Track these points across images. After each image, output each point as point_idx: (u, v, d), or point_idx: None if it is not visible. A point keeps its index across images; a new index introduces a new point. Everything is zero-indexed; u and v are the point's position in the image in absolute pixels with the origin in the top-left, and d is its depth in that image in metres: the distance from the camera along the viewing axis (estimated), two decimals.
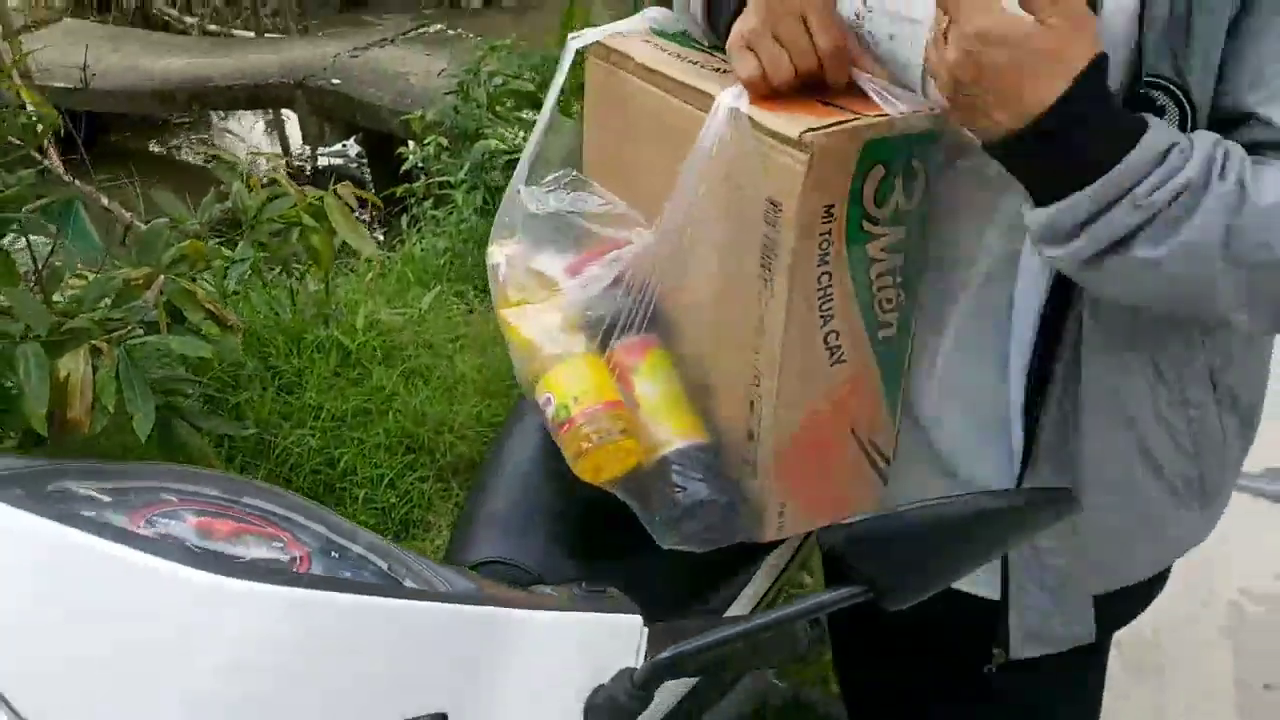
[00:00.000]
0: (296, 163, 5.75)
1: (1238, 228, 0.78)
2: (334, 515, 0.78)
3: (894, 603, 0.72)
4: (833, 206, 0.86)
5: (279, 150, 5.99)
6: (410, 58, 5.10)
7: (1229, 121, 0.83)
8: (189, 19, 7.03)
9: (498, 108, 3.71)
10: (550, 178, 1.05)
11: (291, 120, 6.00)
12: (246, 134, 6.48)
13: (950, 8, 0.79)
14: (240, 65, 5.31)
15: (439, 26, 5.67)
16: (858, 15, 0.97)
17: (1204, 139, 0.79)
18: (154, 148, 6.30)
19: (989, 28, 0.77)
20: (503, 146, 3.54)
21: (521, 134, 3.51)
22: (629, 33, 1.07)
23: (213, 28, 6.91)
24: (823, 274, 0.88)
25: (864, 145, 0.85)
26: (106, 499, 0.68)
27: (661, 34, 1.08)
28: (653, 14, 1.09)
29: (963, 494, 0.74)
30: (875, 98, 0.88)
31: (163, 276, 1.55)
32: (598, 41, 1.07)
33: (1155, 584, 1.10)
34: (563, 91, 1.09)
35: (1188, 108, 0.81)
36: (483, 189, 3.63)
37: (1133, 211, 0.78)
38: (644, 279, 0.97)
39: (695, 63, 1.00)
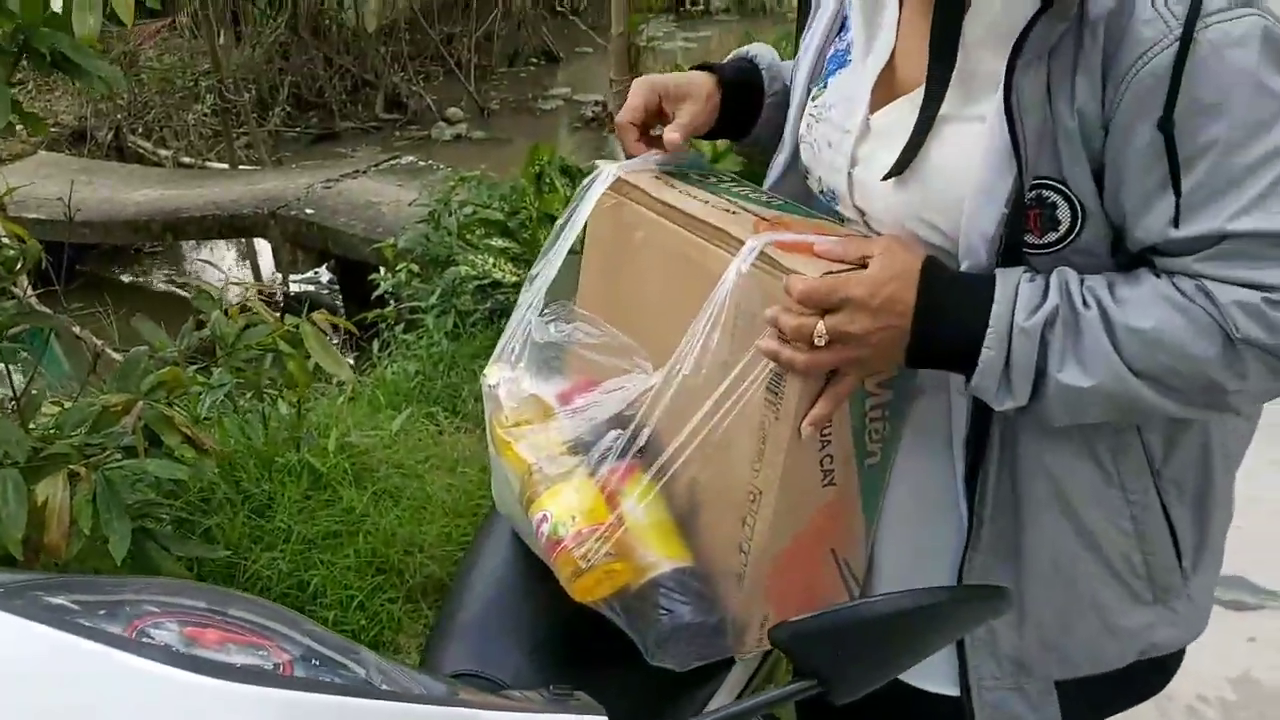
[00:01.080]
0: (268, 290, 5.84)
1: (1122, 345, 0.89)
2: (315, 625, 0.82)
3: (842, 695, 0.77)
4: None
5: (250, 277, 6.08)
6: (382, 188, 5.25)
7: (1122, 229, 0.93)
8: (163, 151, 7.19)
9: (468, 236, 3.82)
10: (550, 308, 1.12)
11: (263, 249, 6.11)
12: (217, 262, 6.58)
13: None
14: (214, 196, 5.44)
15: (411, 158, 5.85)
16: (814, 120, 1.13)
17: (1056, 274, 0.92)
18: (124, 276, 6.38)
19: (828, 288, 0.93)
20: (473, 273, 3.65)
21: (491, 260, 3.62)
22: (639, 168, 1.15)
23: (186, 160, 7.07)
24: None
25: None
26: (101, 610, 0.72)
27: (668, 171, 1.16)
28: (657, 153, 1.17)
29: (902, 590, 0.80)
30: None
31: (141, 403, 1.60)
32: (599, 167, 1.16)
33: (1138, 679, 1.12)
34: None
35: (1077, 204, 0.92)
36: (453, 314, 3.72)
37: (1025, 339, 0.90)
38: (646, 411, 1.04)
39: (705, 201, 1.09)
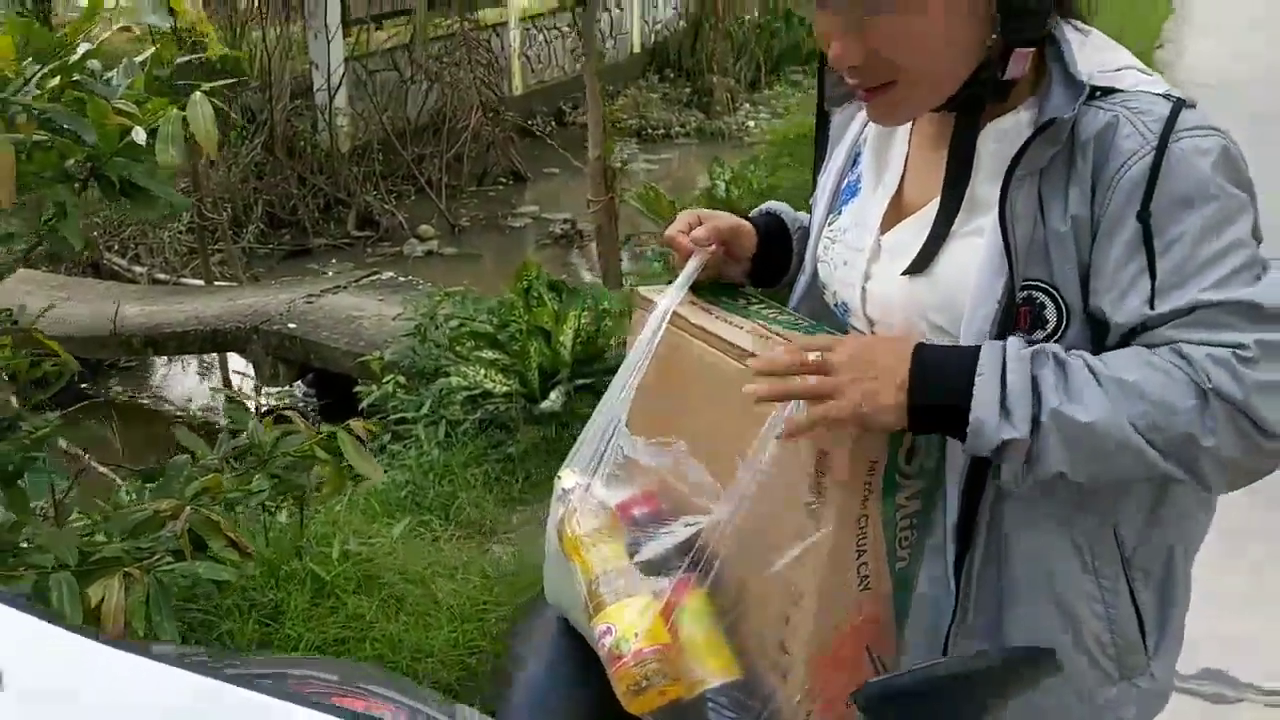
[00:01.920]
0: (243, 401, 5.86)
1: (1109, 392, 0.99)
2: (434, 695, 0.91)
3: None
4: (876, 463, 1.06)
5: (222, 390, 6.11)
6: (363, 303, 5.37)
7: (1100, 324, 1.06)
8: (138, 268, 7.27)
9: (458, 348, 3.93)
10: (656, 440, 1.21)
11: (233, 362, 6.16)
12: (184, 377, 6.62)
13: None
14: (195, 311, 5.52)
15: (390, 274, 5.99)
16: (830, 242, 1.27)
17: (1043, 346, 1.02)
18: (90, 390, 6.38)
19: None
20: (464, 383, 3.75)
21: (482, 371, 3.72)
22: (679, 289, 1.25)
23: (161, 276, 7.15)
24: (862, 516, 1.06)
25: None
26: (267, 681, 0.80)
27: (702, 294, 1.27)
28: (692, 268, 1.28)
29: (967, 655, 0.90)
30: None
31: (189, 508, 1.67)
32: (643, 296, 1.26)
33: None
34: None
35: (1063, 305, 1.05)
36: (444, 423, 3.80)
37: (1019, 364, 1.00)
38: (707, 536, 1.13)
39: (740, 326, 1.19)
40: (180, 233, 7.29)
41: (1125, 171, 1.01)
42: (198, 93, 1.53)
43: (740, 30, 11.87)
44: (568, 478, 1.25)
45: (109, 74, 1.80)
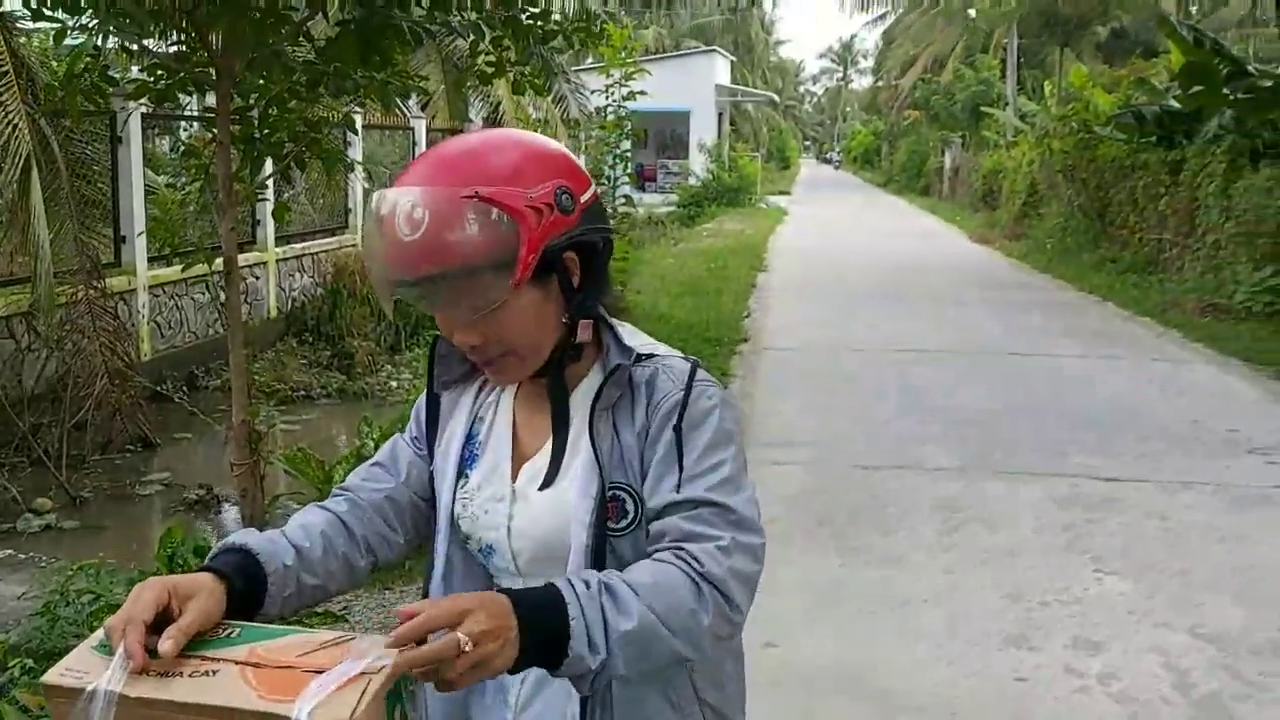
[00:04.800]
0: None
1: (641, 595, 1.31)
2: None
3: None
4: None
5: None
6: None
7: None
8: None
9: (95, 624, 3.83)
10: None
11: None
12: None
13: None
14: None
15: (9, 551, 5.63)
16: (467, 502, 1.57)
17: (589, 574, 1.32)
18: None
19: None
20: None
21: None
22: (88, 665, 1.16)
23: None
24: None
25: (387, 696, 1.11)
26: None
27: (106, 650, 1.19)
28: (99, 636, 1.23)
29: None
30: (349, 658, 1.12)
31: None
32: (63, 687, 1.13)
33: None
34: None
35: (637, 499, 1.47)
36: None
37: (591, 601, 1.28)
38: None
39: (180, 673, 1.15)
40: None
41: (665, 402, 1.46)
42: None
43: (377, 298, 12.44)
44: None
45: None
